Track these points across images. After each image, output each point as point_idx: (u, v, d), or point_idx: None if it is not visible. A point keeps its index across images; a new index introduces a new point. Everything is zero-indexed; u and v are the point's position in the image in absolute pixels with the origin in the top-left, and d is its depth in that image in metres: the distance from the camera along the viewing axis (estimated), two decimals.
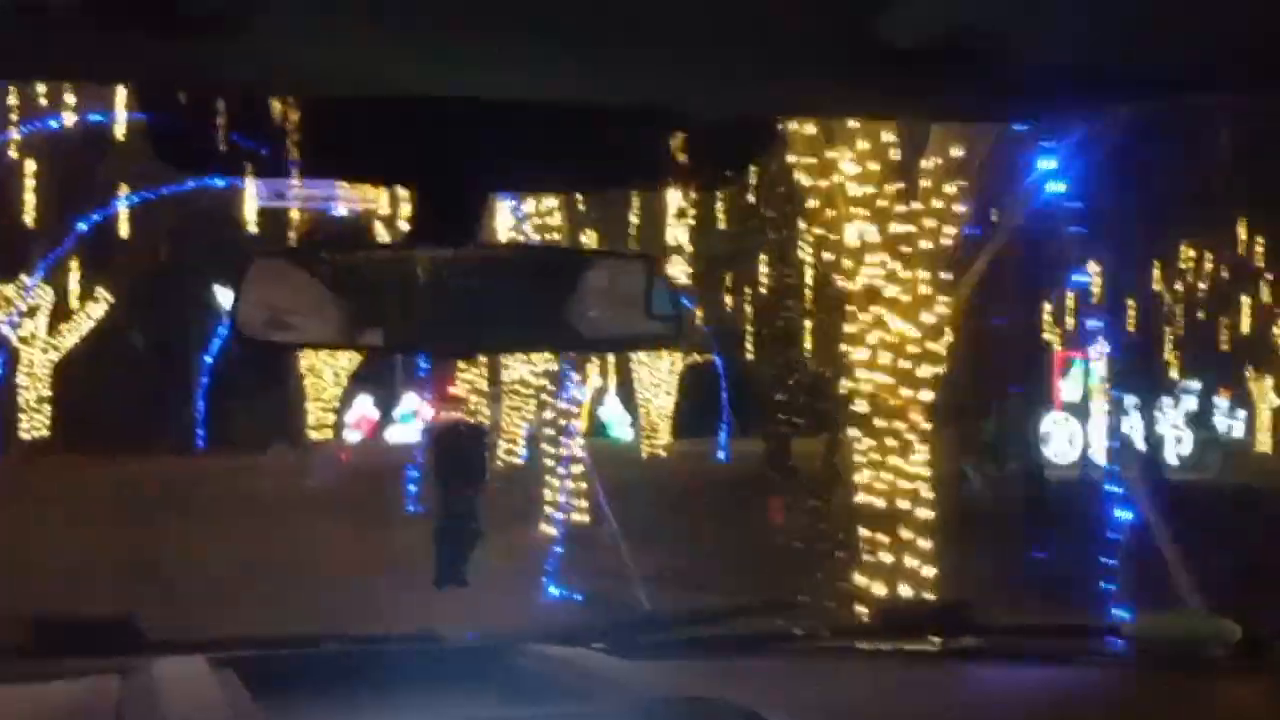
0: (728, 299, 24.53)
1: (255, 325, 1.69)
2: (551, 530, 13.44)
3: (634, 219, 16.48)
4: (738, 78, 1.41)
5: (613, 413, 37.44)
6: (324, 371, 32.80)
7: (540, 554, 12.06)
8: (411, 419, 38.60)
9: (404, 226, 1.81)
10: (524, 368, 20.86)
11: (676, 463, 27.38)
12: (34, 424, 26.43)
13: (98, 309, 27.56)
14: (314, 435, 32.41)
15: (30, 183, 21.80)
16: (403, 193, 1.84)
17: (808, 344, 16.89)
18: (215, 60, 1.26)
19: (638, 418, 32.69)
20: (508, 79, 1.39)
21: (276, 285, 1.70)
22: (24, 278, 25.14)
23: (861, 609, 7.27)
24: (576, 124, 1.58)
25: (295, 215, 22.79)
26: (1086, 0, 1.20)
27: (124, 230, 23.92)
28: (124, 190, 23.63)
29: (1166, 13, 1.21)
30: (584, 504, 13.69)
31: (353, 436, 35.42)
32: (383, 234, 17.09)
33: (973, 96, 1.53)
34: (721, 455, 30.67)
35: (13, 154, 20.73)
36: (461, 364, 20.84)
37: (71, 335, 27.24)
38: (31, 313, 25.72)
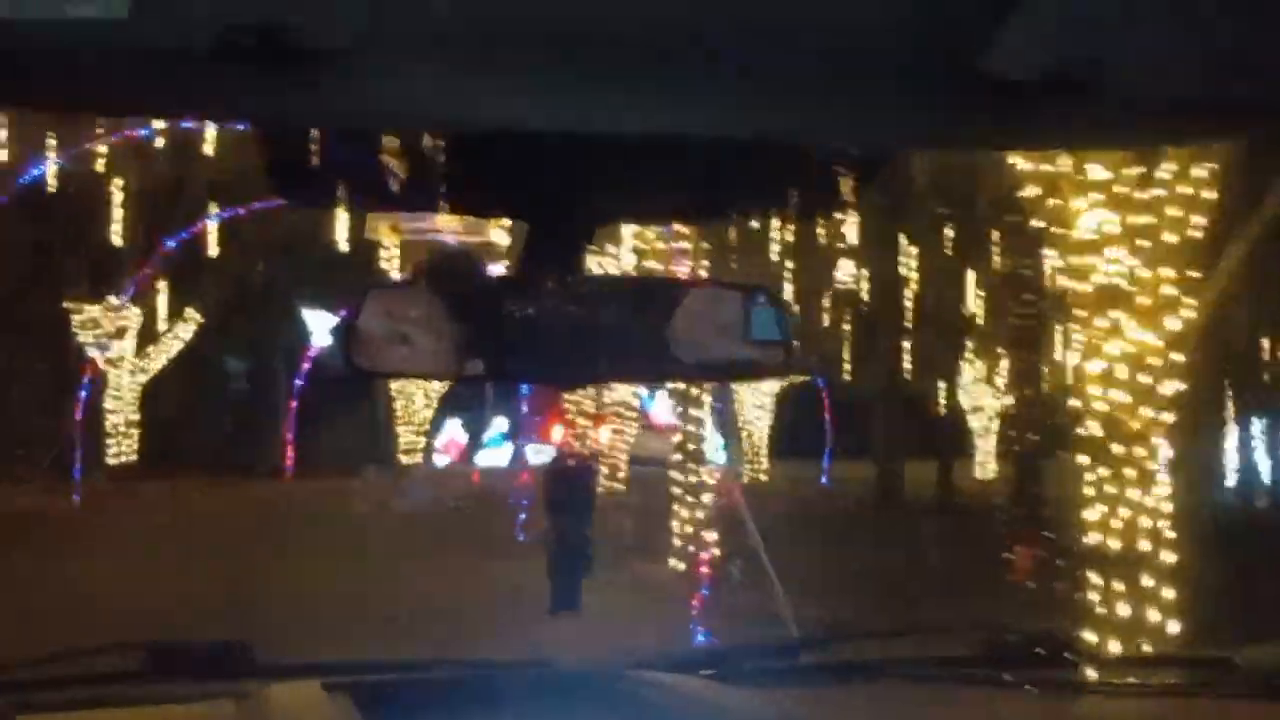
0: (826, 319, 23.89)
1: (368, 355, 1.71)
2: (680, 565, 12.41)
3: (730, 238, 16.16)
4: (844, 110, 1.43)
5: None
6: (415, 394, 32.22)
7: (673, 595, 11.01)
8: (501, 443, 38.46)
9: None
10: (625, 390, 20.31)
11: (788, 488, 26.21)
12: (122, 448, 25.74)
13: (186, 330, 26.95)
14: (404, 458, 31.87)
15: (117, 198, 21.37)
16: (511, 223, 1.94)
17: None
18: (329, 97, 1.28)
19: (732, 441, 31.71)
20: (616, 112, 1.41)
21: (389, 316, 1.70)
22: (111, 298, 24.69)
23: (968, 638, 6.58)
24: (683, 156, 1.60)
25: (389, 239, 22.83)
26: (1191, 30, 1.21)
27: (213, 249, 23.49)
28: (213, 208, 23.16)
29: (1272, 41, 1.22)
30: (714, 536, 12.54)
31: (441, 460, 34.87)
32: (490, 263, 16.42)
33: (1080, 126, 1.55)
34: (824, 480, 29.78)
35: (99, 168, 20.24)
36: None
37: (159, 357, 26.56)
38: (119, 334, 25.02)
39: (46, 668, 2.12)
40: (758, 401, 30.28)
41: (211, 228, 23.39)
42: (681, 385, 12.53)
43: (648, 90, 1.33)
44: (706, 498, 12.71)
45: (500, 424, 38.49)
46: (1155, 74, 1.30)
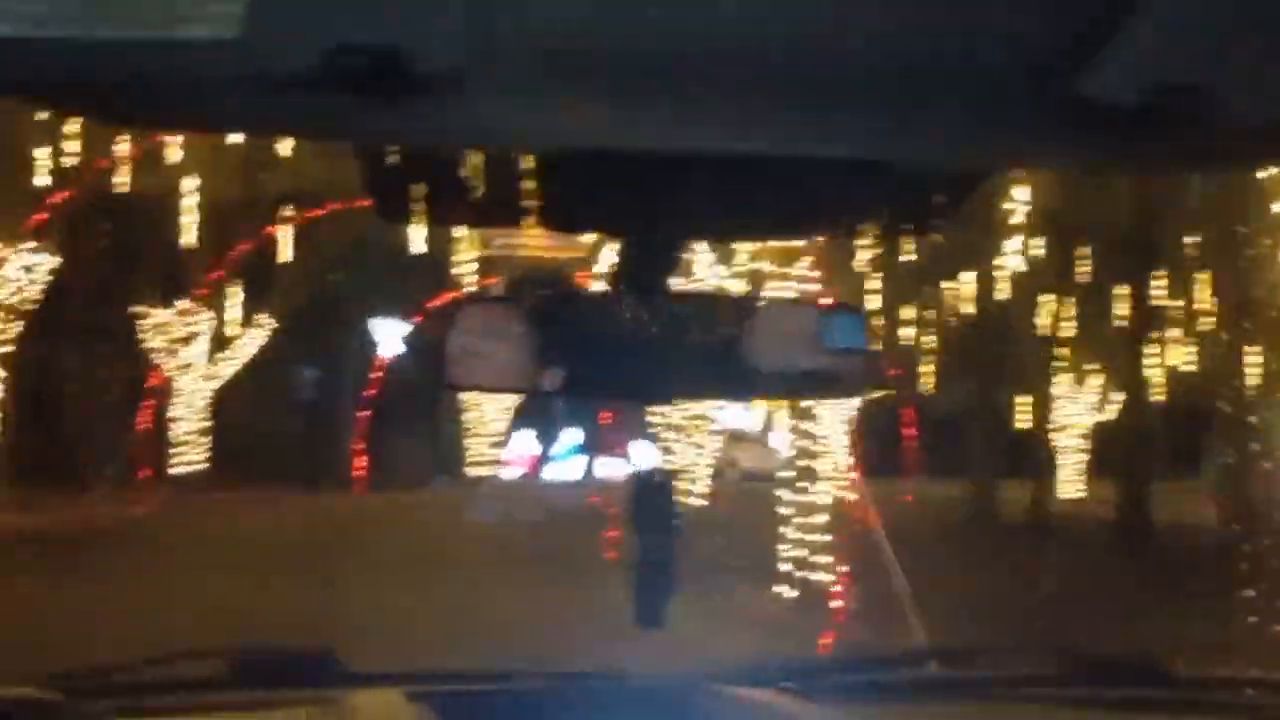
0: (910, 333, 23.05)
1: (458, 369, 1.73)
2: (792, 592, 11.53)
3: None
4: (939, 130, 1.43)
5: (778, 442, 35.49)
6: (487, 406, 31.62)
7: (795, 628, 10.12)
8: (573, 456, 38.14)
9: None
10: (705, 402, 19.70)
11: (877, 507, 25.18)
12: (189, 457, 25.01)
13: (258, 336, 26.27)
14: (475, 471, 31.43)
15: (189, 200, 20.78)
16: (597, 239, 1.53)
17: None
18: (434, 118, 1.31)
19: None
20: (713, 132, 1.42)
21: (479, 330, 1.72)
22: (182, 303, 24.14)
23: (1055, 657, 5.93)
24: (775, 174, 1.61)
25: (470, 250, 22.48)
26: None
27: (285, 254, 22.90)
28: (286, 212, 22.59)
29: None
30: (829, 559, 11.64)
31: (511, 473, 34.37)
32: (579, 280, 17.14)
33: (1178, 150, 1.54)
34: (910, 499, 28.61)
35: (171, 169, 19.67)
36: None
37: (230, 364, 25.87)
38: (189, 340, 24.44)
39: (142, 673, 2.17)
40: (839, 416, 29.22)
41: (285, 232, 22.85)
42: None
43: (741, 109, 1.34)
44: (822, 517, 11.79)
45: (573, 436, 38.23)
46: (1254, 96, 1.30)
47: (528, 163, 1.65)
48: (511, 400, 31.37)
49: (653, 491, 1.98)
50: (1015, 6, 1.18)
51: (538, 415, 35.57)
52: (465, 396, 30.25)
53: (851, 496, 26.93)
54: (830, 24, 1.16)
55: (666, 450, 20.53)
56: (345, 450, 28.58)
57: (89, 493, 21.07)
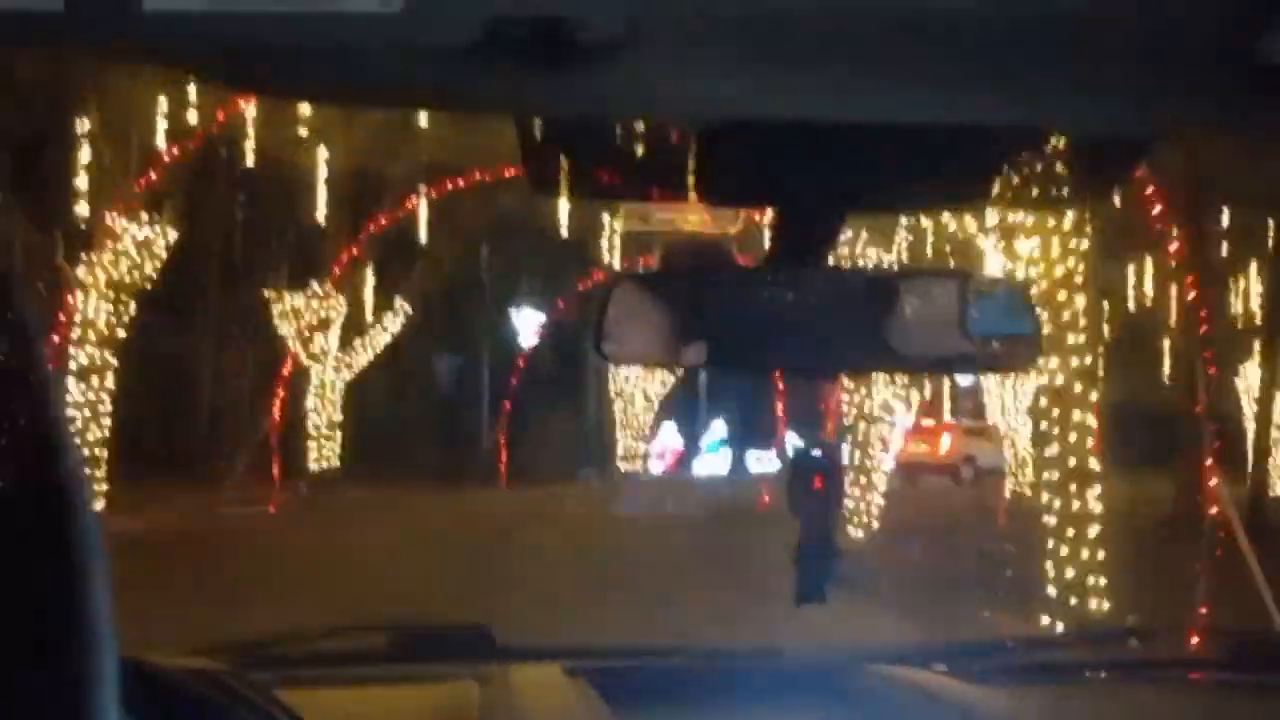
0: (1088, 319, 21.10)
1: (615, 345, 1.75)
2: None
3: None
4: (1106, 98, 1.39)
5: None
6: (635, 395, 29.98)
7: None
8: (719, 449, 37.15)
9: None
10: (887, 390, 17.69)
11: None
12: (324, 452, 23.44)
13: (395, 322, 24.68)
14: (624, 465, 30.03)
15: (322, 174, 19.21)
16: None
17: None
18: (594, 88, 1.30)
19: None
20: (873, 101, 1.40)
21: (635, 306, 1.75)
22: (315, 286, 22.44)
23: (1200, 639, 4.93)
24: (936, 144, 1.59)
25: (614, 231, 21.66)
26: None
27: (423, 234, 21.28)
28: (424, 189, 21.16)
29: None
30: (1100, 581, 9.33)
31: (656, 467, 32.95)
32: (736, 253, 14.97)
33: None
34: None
35: (304, 142, 18.11)
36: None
37: (365, 352, 24.26)
38: (323, 326, 22.69)
39: (305, 645, 2.30)
40: (1019, 407, 26.96)
41: (422, 210, 21.23)
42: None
43: (902, 78, 1.30)
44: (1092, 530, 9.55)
45: (719, 428, 37.43)
46: None
47: (684, 134, 1.63)
48: (661, 390, 31.35)
49: (816, 465, 1.96)
50: None
51: (682, 407, 34.51)
52: (614, 388, 29.93)
53: (1027, 493, 25.10)
54: None
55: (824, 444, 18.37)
56: (488, 445, 27.22)
57: (217, 491, 19.60)
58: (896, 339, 1.74)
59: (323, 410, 23.35)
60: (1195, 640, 2.42)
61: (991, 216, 10.24)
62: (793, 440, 25.21)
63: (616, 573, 12.45)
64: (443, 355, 29.67)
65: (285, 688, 1.92)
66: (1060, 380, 9.57)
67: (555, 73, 1.17)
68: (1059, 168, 1.71)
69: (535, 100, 1.42)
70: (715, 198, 1.90)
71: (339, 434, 23.58)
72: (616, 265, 22.07)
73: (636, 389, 30.05)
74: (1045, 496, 9.81)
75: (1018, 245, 9.77)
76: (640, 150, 1.69)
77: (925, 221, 13.77)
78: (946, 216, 12.52)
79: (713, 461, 36.04)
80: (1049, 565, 9.44)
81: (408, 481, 21.95)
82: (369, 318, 23.89)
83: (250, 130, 16.90)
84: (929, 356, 1.82)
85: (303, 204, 19.66)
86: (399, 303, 24.39)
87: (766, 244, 1.75)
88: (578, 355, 27.98)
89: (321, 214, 19.55)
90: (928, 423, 30.79)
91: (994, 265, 10.64)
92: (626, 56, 1.16)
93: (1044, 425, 9.70)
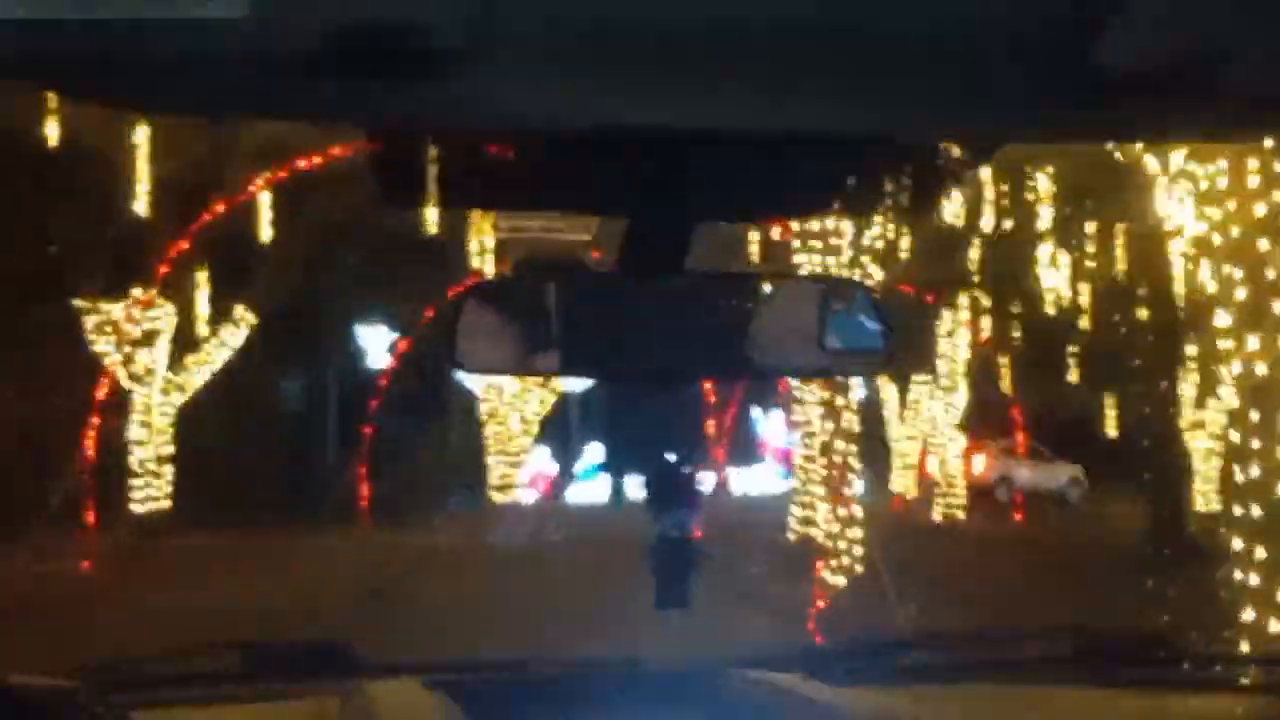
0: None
1: (471, 355, 1.80)
2: None
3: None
4: (954, 104, 1.46)
5: None
6: (509, 417, 27.30)
7: None
8: (595, 475, 35.17)
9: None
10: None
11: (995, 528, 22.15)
12: (150, 491, 20.34)
13: (235, 336, 21.53)
14: (498, 496, 27.69)
15: (143, 155, 16.40)
16: (609, 222, 2.00)
17: None
18: (438, 99, 1.35)
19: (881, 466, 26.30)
20: (719, 111, 1.45)
21: (488, 316, 1.79)
22: (138, 291, 19.44)
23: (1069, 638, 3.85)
24: (786, 153, 1.65)
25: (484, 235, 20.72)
26: None
27: (265, 231, 18.64)
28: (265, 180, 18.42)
29: None
30: None
31: (526, 496, 30.22)
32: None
33: (1197, 120, 1.58)
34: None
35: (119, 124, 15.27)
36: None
37: (200, 371, 21.12)
38: (148, 340, 19.76)
39: (162, 665, 2.30)
40: (949, 421, 24.50)
41: (265, 200, 18.39)
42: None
43: (747, 87, 1.36)
44: None
45: (594, 452, 35.69)
46: (1263, 65, 1.31)
47: (535, 142, 1.67)
48: (537, 412, 29.20)
49: (669, 472, 1.99)
50: None
51: (556, 428, 32.42)
52: (485, 410, 28.02)
53: (959, 515, 22.97)
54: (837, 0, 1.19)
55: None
56: (343, 477, 24.35)
57: (17, 544, 16.40)
58: (751, 347, 1.79)
59: (149, 441, 20.33)
60: (1060, 640, 2.41)
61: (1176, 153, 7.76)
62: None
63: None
64: (291, 374, 26.86)
65: (145, 708, 2.07)
66: (1263, 370, 6.57)
67: (400, 81, 1.23)
68: (903, 176, 1.72)
69: (382, 109, 1.46)
70: (562, 206, 1.94)
71: (168, 469, 20.61)
72: (490, 272, 19.84)
73: (511, 410, 27.29)
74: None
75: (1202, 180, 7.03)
76: (488, 160, 1.68)
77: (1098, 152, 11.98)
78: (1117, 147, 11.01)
79: (589, 489, 33.80)
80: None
81: (253, 524, 19.16)
82: (203, 330, 20.78)
83: (52, 103, 14.06)
84: (784, 366, 2.00)
85: (120, 193, 16.75)
86: (239, 312, 21.29)
87: (617, 253, 1.75)
88: (445, 374, 25.67)
89: (143, 205, 16.65)
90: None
91: (1171, 208, 8.15)
92: (472, 66, 1.21)
93: (1243, 429, 6.71)
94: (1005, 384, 23.49)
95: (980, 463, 28.28)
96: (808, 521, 16.76)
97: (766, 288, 1.87)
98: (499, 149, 1.69)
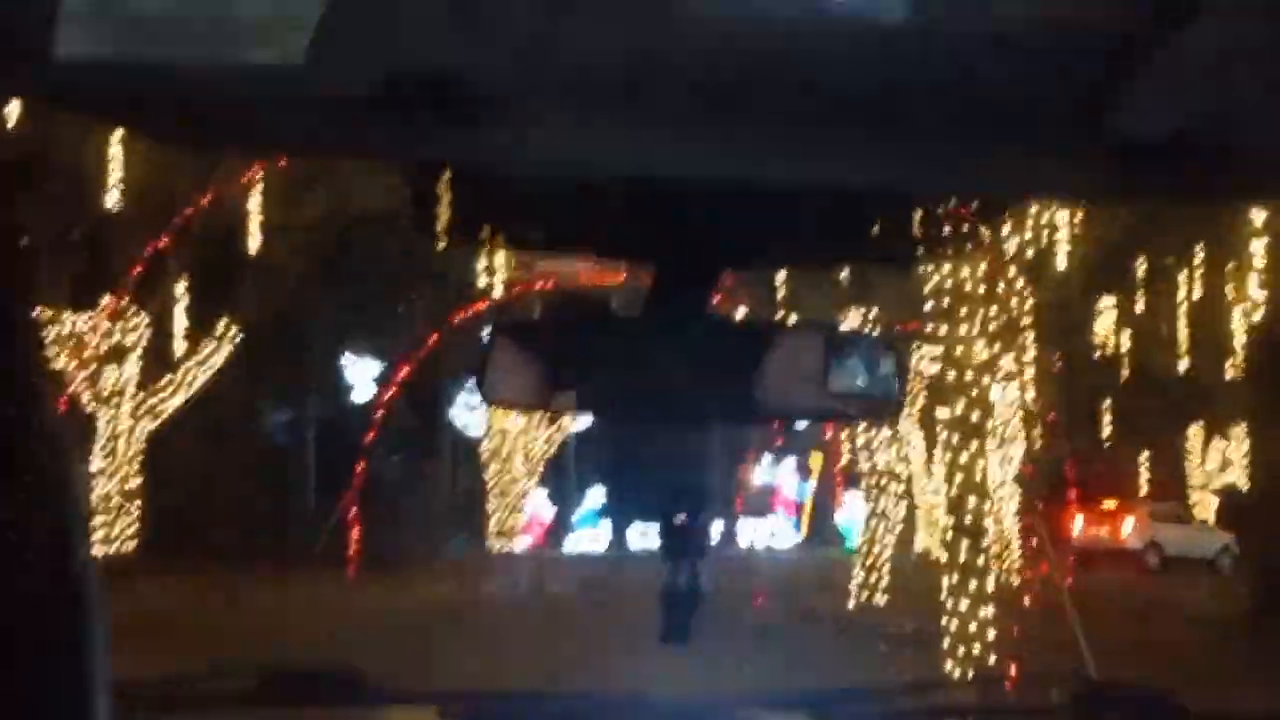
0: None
1: (493, 389, 1.90)
2: None
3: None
4: (970, 162, 1.53)
5: (854, 513, 28.68)
6: (513, 458, 26.10)
7: None
8: (595, 521, 34.14)
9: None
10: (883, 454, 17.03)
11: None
12: (115, 531, 18.82)
13: (219, 352, 19.90)
14: (499, 543, 26.97)
15: (114, 145, 15.19)
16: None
17: None
18: (483, 141, 1.42)
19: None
20: (748, 161, 1.52)
21: (513, 353, 1.87)
22: (105, 301, 18.00)
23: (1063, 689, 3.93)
24: (813, 204, 1.73)
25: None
26: None
27: (255, 231, 17.12)
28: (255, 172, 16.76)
29: None
30: None
31: (520, 543, 29.11)
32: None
33: (1209, 183, 1.63)
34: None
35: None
36: None
37: (176, 394, 19.54)
38: (116, 356, 18.35)
39: (171, 688, 2.27)
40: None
41: (254, 198, 16.86)
42: None
43: (779, 139, 1.42)
44: None
45: (594, 497, 34.38)
46: (1275, 128, 1.37)
47: (566, 187, 1.74)
48: (540, 453, 28.38)
49: (680, 512, 2.07)
50: (1041, 42, 1.24)
51: (556, 470, 31.27)
52: (487, 447, 27.26)
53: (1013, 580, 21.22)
54: (863, 58, 1.24)
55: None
56: (329, 518, 22.29)
57: None
58: (762, 392, 1.84)
59: (114, 472, 18.79)
60: (1058, 688, 2.40)
61: None
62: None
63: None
64: (278, 401, 25.43)
65: None
66: None
67: (448, 124, 1.30)
68: (922, 228, 1.81)
69: (429, 149, 1.54)
70: (595, 249, 2.06)
71: (136, 505, 19.11)
72: (497, 295, 19.59)
73: (516, 448, 25.62)
74: None
75: None
76: (527, 201, 1.77)
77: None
78: None
79: (588, 536, 32.93)
80: None
81: (229, 569, 17.55)
82: (181, 346, 19.10)
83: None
84: (793, 410, 2.03)
85: (88, 188, 15.50)
86: (224, 326, 19.59)
87: (644, 298, 1.82)
88: (444, 409, 24.19)
89: (114, 201, 15.34)
90: (1109, 504, 29.66)
91: None
92: (516, 111, 1.29)
93: None
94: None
95: (1129, 525, 28.39)
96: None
97: (780, 335, 1.90)
98: (533, 190, 1.74)
